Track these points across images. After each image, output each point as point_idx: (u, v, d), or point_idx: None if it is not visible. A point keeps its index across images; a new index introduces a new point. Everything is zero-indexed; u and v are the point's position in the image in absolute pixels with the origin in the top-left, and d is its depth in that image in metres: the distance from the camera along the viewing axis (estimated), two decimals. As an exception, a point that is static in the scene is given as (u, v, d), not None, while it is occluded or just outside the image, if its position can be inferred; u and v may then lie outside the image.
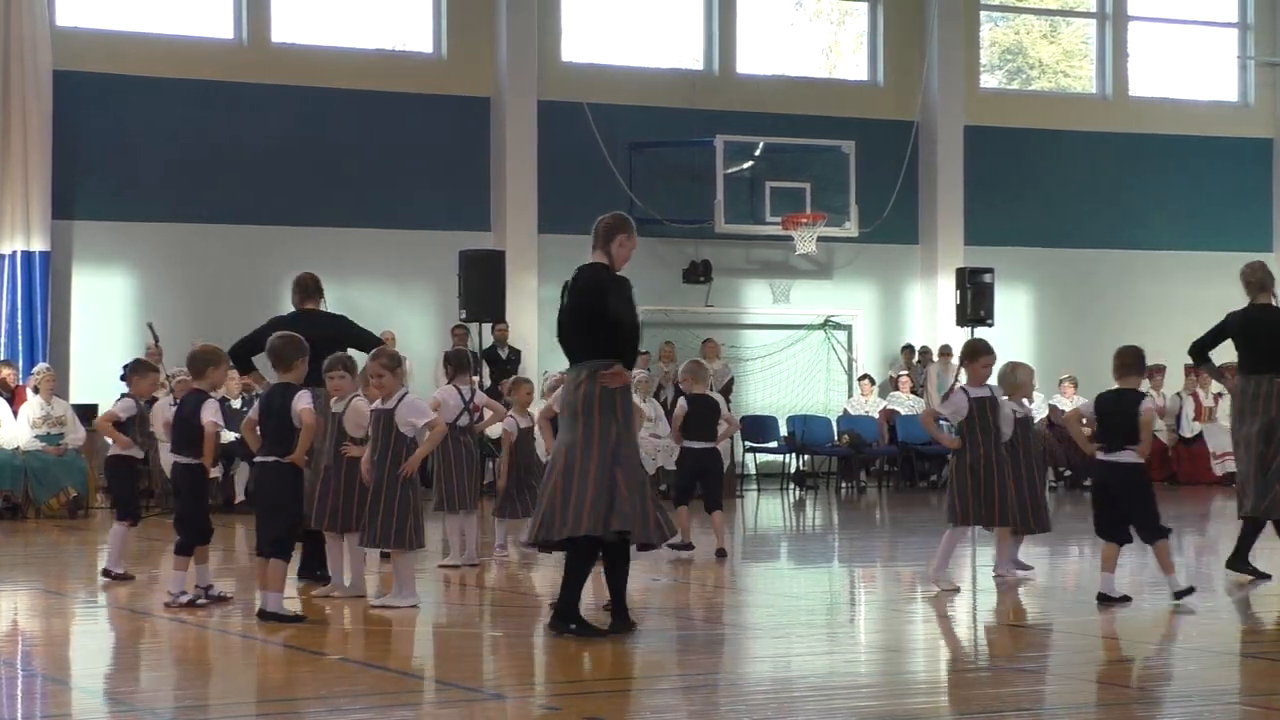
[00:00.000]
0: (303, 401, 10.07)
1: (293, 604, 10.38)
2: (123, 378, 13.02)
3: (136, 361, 12.78)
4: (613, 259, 9.63)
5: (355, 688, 8.15)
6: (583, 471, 9.30)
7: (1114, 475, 10.81)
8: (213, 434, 10.86)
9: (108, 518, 12.79)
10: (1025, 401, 12.36)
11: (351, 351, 11.32)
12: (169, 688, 8.28)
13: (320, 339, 11.17)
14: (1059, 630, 10.23)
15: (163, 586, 11.92)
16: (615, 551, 9.48)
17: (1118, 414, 10.85)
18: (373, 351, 10.97)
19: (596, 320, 9.46)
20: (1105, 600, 10.67)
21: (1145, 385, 15.08)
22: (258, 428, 10.23)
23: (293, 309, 12.37)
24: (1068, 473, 23.82)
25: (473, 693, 7.98)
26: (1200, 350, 12.61)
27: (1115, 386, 11.00)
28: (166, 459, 18.76)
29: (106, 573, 11.99)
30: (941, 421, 12.80)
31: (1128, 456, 10.77)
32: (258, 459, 10.20)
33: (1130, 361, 11.05)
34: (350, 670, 8.67)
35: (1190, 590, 10.78)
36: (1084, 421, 11.39)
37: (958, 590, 11.49)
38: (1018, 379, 12.21)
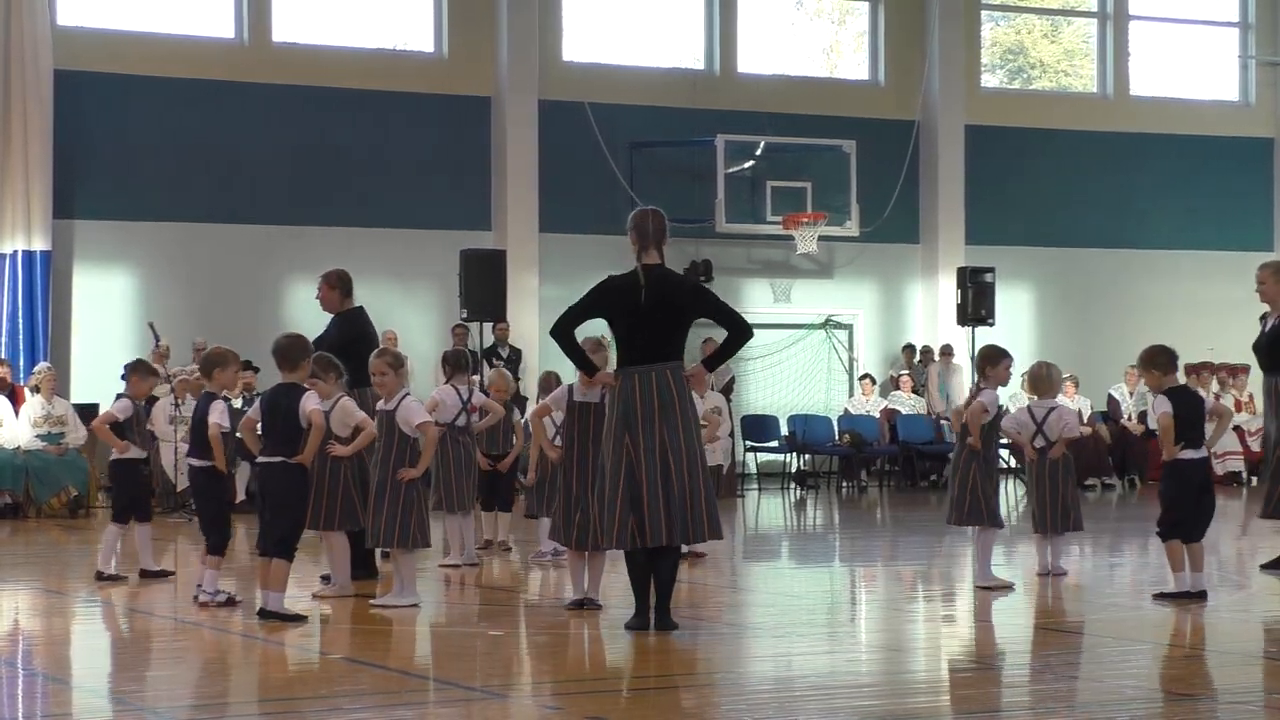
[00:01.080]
0: (311, 402, 10.06)
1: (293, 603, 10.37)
2: (124, 378, 12.95)
3: (137, 362, 12.65)
4: (664, 260, 9.60)
5: (355, 687, 8.15)
6: (652, 479, 9.27)
7: (1206, 472, 10.89)
8: (217, 436, 10.84)
9: (108, 518, 12.77)
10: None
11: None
12: (169, 687, 8.28)
13: (371, 337, 11.79)
14: (1062, 630, 10.23)
15: (163, 586, 11.94)
16: (661, 550, 9.45)
17: (1197, 412, 10.86)
18: (375, 351, 10.97)
19: (687, 323, 9.47)
20: (1203, 596, 10.69)
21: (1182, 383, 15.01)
22: (258, 427, 10.22)
23: (334, 307, 12.46)
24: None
25: (473, 693, 7.98)
26: None
27: (1177, 385, 10.89)
28: (168, 459, 18.84)
29: (100, 575, 11.97)
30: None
31: (1203, 452, 10.85)
32: (262, 459, 10.16)
33: (1173, 359, 10.92)
34: (350, 670, 8.67)
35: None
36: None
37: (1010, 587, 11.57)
38: (1053, 377, 12.26)
